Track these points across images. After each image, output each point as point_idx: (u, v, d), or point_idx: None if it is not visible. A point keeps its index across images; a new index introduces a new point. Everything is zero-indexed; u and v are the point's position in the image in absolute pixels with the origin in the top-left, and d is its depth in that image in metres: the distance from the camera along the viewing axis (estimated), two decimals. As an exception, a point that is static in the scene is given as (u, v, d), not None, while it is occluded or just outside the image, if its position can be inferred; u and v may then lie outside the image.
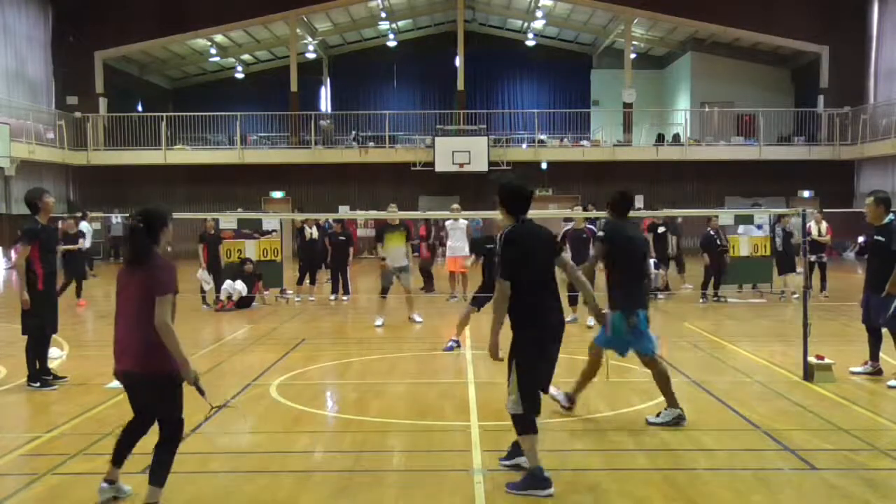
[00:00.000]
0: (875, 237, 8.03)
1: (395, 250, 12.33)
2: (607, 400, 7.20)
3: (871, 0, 28.69)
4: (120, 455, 4.81)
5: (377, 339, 11.33)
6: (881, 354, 8.27)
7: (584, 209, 21.72)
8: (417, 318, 12.55)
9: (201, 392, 4.66)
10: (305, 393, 7.84)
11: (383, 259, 12.39)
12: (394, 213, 12.51)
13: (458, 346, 10.00)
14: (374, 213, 29.78)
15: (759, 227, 16.52)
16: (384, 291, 12.33)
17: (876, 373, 8.16)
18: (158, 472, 4.60)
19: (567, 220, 24.98)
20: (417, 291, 12.60)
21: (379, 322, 12.11)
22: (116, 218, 27.00)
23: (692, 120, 30.59)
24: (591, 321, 12.10)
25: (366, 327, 12.15)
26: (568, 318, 12.26)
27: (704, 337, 11.06)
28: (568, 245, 12.92)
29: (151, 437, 4.73)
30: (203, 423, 5.83)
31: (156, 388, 4.59)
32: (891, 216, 8.00)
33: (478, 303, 9.97)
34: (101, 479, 4.82)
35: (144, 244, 4.68)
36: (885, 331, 8.07)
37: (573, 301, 12.18)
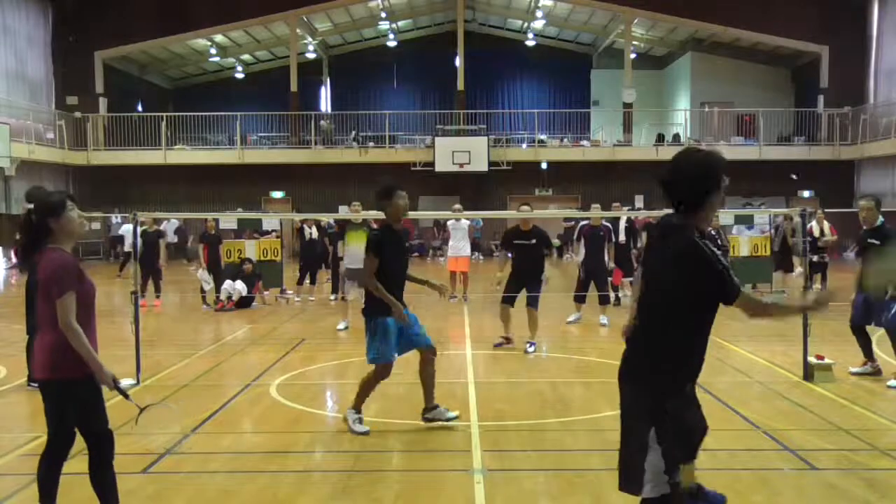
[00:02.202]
0: (868, 240, 7.99)
1: (356, 250, 11.68)
2: (607, 400, 7.20)
3: (871, 0, 28.69)
4: (49, 491, 4.23)
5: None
6: (881, 354, 8.27)
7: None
8: (340, 326, 11.92)
9: (125, 395, 4.20)
10: (305, 393, 7.85)
11: (341, 258, 12.06)
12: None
13: (509, 342, 9.94)
14: (373, 213, 29.69)
15: (750, 227, 16.53)
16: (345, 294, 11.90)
17: (875, 372, 8.16)
18: (105, 494, 4.14)
19: (567, 219, 24.75)
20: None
21: (340, 326, 11.82)
22: (116, 218, 27.02)
23: (692, 120, 30.59)
24: (603, 319, 12.07)
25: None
26: (571, 317, 12.35)
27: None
28: (583, 242, 12.79)
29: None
30: (177, 429, 5.82)
31: (70, 396, 4.06)
32: (881, 218, 7.97)
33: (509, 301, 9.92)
34: None
35: (31, 236, 4.13)
36: (877, 329, 8.06)
37: (581, 300, 12.20)
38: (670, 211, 3.35)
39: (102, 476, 4.17)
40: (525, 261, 9.81)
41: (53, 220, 4.09)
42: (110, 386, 4.10)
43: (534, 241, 9.79)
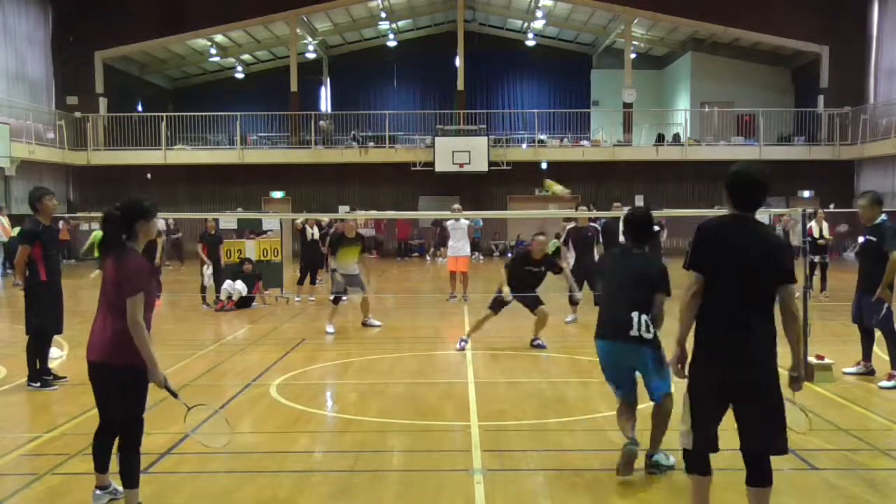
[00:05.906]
0: (867, 237, 7.99)
1: (348, 261, 11.93)
2: (607, 400, 7.19)
3: (871, 0, 28.69)
4: (101, 462, 4.73)
5: (377, 339, 11.33)
6: (880, 354, 8.26)
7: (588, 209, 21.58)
8: (375, 323, 12.12)
9: (173, 394, 4.65)
10: (305, 393, 7.84)
11: (335, 270, 12.04)
12: (397, 214, 12.41)
13: (466, 344, 10.02)
14: (374, 213, 29.74)
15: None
16: (336, 300, 11.82)
17: (868, 373, 8.15)
18: (126, 474, 4.54)
19: (567, 219, 24.86)
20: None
21: (330, 330, 11.64)
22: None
23: (692, 120, 30.59)
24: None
25: (366, 327, 12.13)
26: (568, 318, 12.38)
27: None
28: (571, 244, 12.85)
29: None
30: (195, 429, 5.81)
31: (120, 381, 4.50)
32: (883, 216, 7.95)
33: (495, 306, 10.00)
34: (94, 488, 4.76)
35: (115, 235, 4.59)
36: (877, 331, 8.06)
37: (575, 301, 12.22)
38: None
39: (129, 458, 4.54)
40: (528, 283, 10.02)
41: (141, 223, 4.60)
42: (160, 384, 4.54)
43: (542, 268, 10.08)
